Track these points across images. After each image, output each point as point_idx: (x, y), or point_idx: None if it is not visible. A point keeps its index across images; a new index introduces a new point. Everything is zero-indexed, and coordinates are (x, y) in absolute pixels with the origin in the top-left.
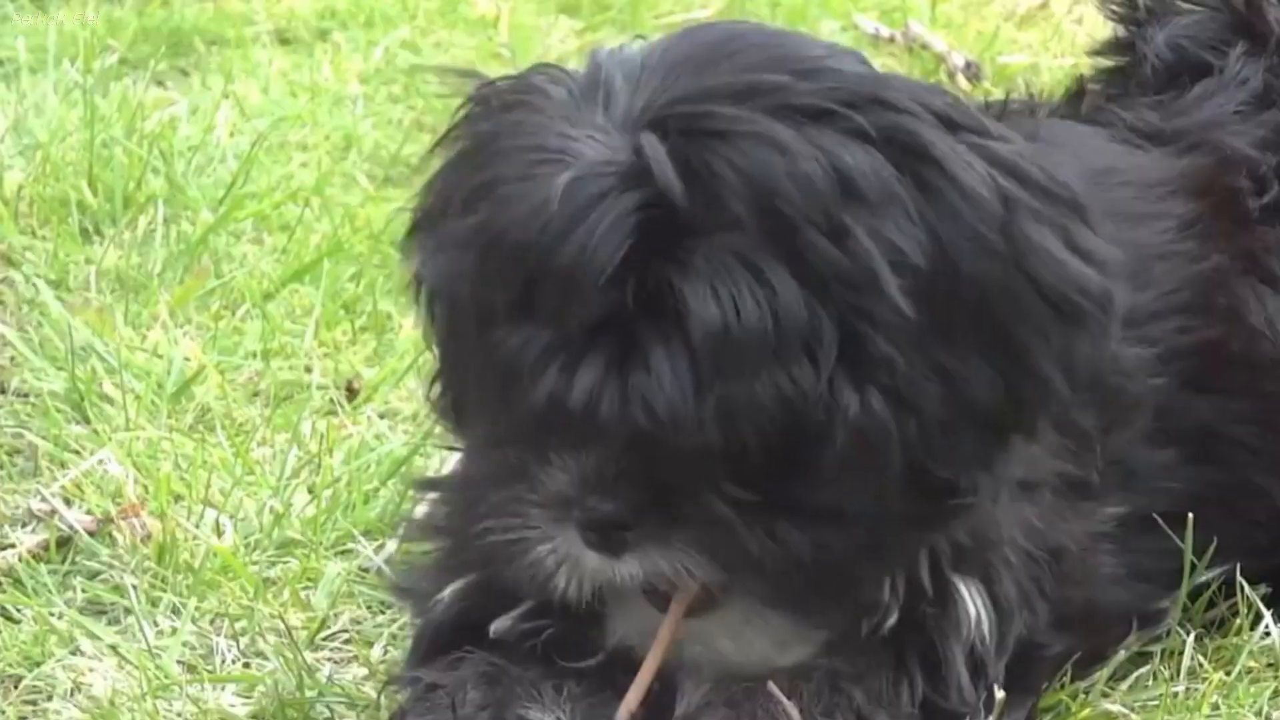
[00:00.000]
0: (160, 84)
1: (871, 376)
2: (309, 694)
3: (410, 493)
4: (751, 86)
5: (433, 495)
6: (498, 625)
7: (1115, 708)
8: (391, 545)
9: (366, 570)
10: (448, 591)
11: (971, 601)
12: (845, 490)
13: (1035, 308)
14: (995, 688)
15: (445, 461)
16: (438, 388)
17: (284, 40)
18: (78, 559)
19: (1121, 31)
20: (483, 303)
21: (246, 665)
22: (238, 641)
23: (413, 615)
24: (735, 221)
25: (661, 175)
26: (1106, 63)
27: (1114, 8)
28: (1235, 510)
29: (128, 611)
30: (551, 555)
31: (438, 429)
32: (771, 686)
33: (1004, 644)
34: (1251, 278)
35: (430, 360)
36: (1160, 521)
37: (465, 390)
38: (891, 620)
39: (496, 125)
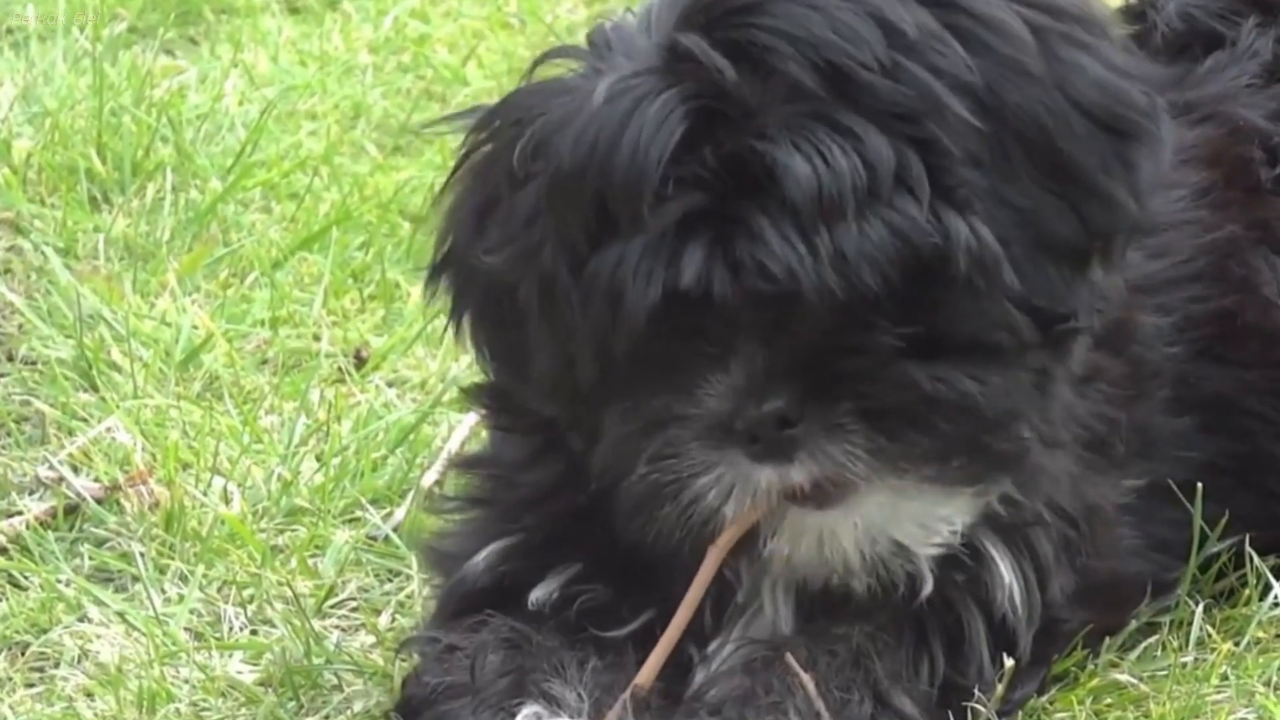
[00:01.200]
0: (169, 52)
1: (966, 204)
2: (316, 661)
3: (420, 460)
4: None
5: (466, 468)
6: (538, 593)
7: (1124, 677)
8: (400, 513)
9: (374, 538)
10: (483, 555)
11: (1006, 569)
12: (979, 322)
13: (1084, 128)
14: (1005, 657)
15: (453, 430)
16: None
17: (293, 9)
18: (85, 526)
19: (1133, 0)
20: (570, 253)
21: (254, 633)
22: (245, 609)
23: (441, 578)
24: (794, 84)
25: (708, 59)
26: (1118, 31)
27: None
28: (1250, 481)
29: (135, 579)
30: (716, 486)
31: (446, 396)
32: (789, 658)
33: (1033, 615)
34: (1265, 248)
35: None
36: (1177, 491)
37: (560, 373)
38: (927, 589)
39: (516, 126)
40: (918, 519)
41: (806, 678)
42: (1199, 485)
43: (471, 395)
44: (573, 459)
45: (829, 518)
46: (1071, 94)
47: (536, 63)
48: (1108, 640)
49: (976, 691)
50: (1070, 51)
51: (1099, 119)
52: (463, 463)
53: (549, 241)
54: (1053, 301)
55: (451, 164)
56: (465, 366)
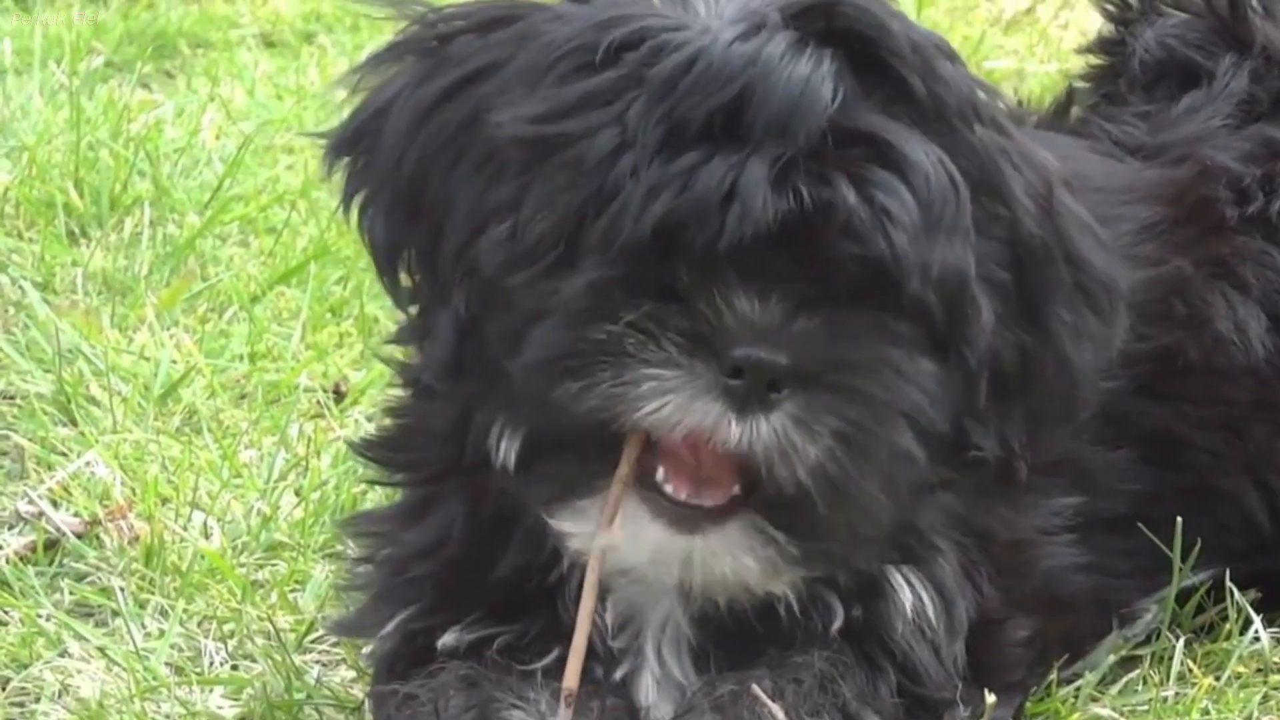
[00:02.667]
0: (146, 86)
1: (990, 296)
2: (297, 696)
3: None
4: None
5: (350, 529)
6: (445, 640)
7: (1105, 712)
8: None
9: None
10: (392, 623)
11: (908, 587)
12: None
13: (1065, 281)
14: (987, 693)
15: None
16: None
17: (269, 43)
18: (65, 561)
19: (1111, 30)
20: (665, 135)
21: (234, 667)
22: (226, 643)
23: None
24: (911, 99)
25: (857, 30)
26: (1096, 60)
27: (1107, 6)
28: (1201, 513)
29: (115, 613)
30: (658, 383)
31: None
32: (756, 689)
33: (953, 625)
34: (1222, 283)
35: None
36: (1130, 521)
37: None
38: (838, 622)
39: (562, 18)
40: (752, 581)
41: (775, 707)
42: (1161, 519)
43: (356, 450)
44: (454, 511)
45: (676, 539)
46: (1067, 245)
47: None
48: (1087, 675)
49: (938, 696)
50: (1072, 204)
51: (1080, 279)
52: (348, 524)
53: (636, 118)
54: (974, 430)
55: (382, 49)
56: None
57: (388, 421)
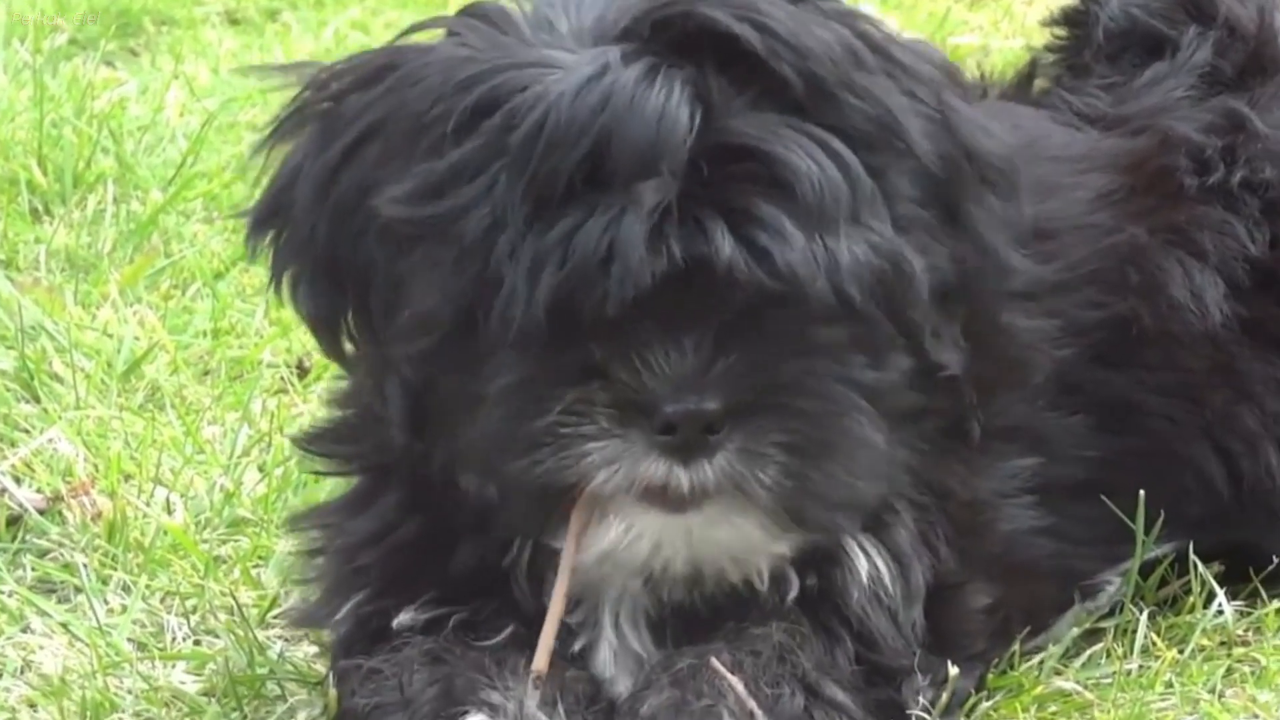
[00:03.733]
0: (110, 64)
1: (913, 237)
2: (260, 671)
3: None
4: None
5: (297, 523)
6: (400, 620)
7: (1069, 685)
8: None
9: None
10: (344, 609)
11: (863, 554)
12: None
13: (972, 179)
14: (949, 665)
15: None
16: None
17: (234, 20)
18: (28, 537)
19: (1075, 1)
20: (535, 207)
21: (197, 643)
22: (188, 619)
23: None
24: (784, 86)
25: (719, 30)
26: (1060, 32)
27: None
28: (1161, 479)
29: (78, 589)
30: (602, 453)
31: None
32: (715, 663)
33: (910, 591)
34: (1179, 251)
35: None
36: (1089, 487)
37: (469, 315)
38: (794, 592)
39: (421, 82)
40: (754, 545)
41: (734, 679)
42: (1121, 486)
43: (297, 443)
44: (399, 498)
45: (671, 521)
46: (965, 144)
47: (409, 30)
48: (1051, 648)
49: (896, 664)
50: (957, 102)
51: (981, 172)
52: (294, 519)
53: (502, 195)
54: (935, 349)
55: (280, 121)
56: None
57: (332, 413)
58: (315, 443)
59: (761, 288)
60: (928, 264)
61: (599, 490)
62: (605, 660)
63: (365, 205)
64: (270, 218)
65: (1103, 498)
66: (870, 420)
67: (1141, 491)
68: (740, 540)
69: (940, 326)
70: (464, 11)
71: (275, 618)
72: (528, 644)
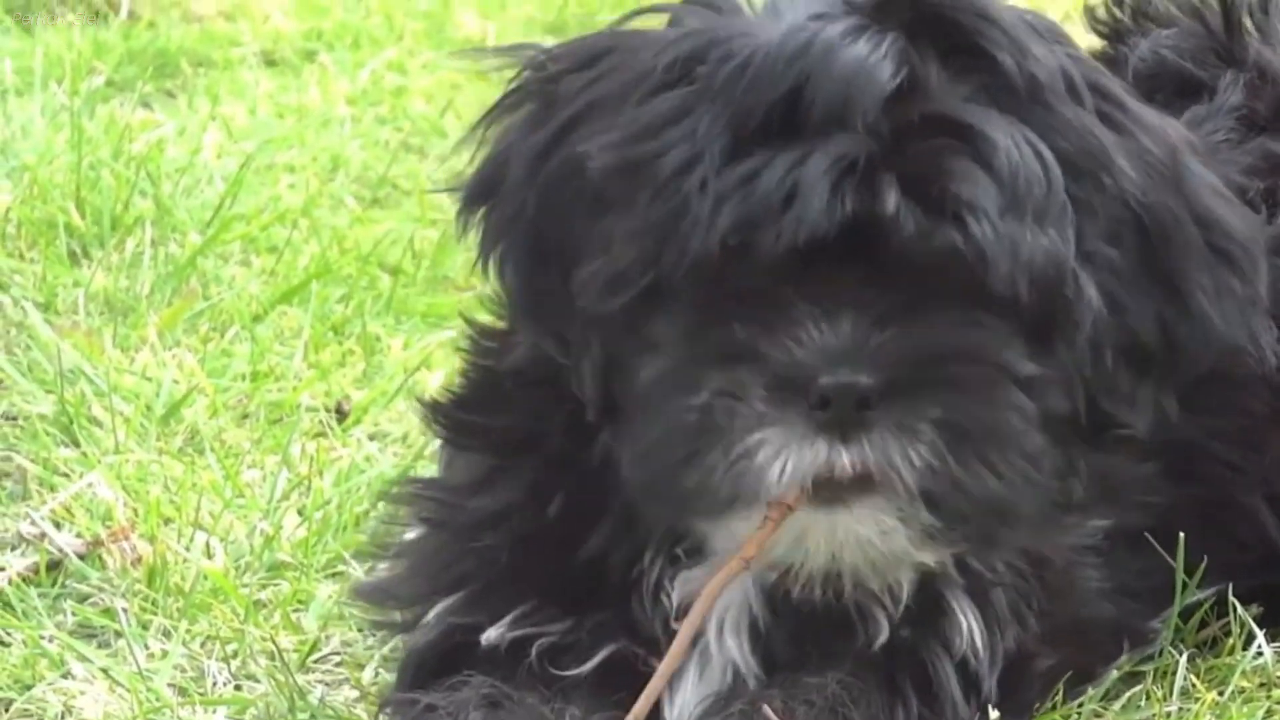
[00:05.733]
0: (147, 106)
1: (1098, 271)
2: (300, 716)
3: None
4: None
5: (414, 491)
6: (489, 635)
7: None
8: (383, 567)
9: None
10: (433, 613)
11: (964, 615)
12: (1063, 395)
13: (1199, 245)
14: (990, 708)
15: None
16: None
17: (270, 62)
18: (68, 582)
19: (1104, 46)
20: (729, 143)
21: (238, 688)
22: (229, 664)
23: (389, 627)
24: (1003, 75)
25: (938, 15)
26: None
27: (1097, 23)
28: (1220, 529)
29: (118, 634)
30: (768, 445)
31: (428, 450)
32: (766, 709)
33: (995, 657)
34: None
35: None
36: (1149, 538)
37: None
38: (883, 638)
39: (648, 45)
40: (899, 550)
41: None
42: (1178, 533)
43: (428, 410)
44: (526, 481)
45: (824, 517)
46: (1195, 208)
47: (631, 15)
48: (1090, 691)
49: None
50: (1196, 167)
51: (1212, 240)
52: (411, 484)
53: (703, 130)
54: (1116, 406)
55: (500, 99)
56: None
57: (462, 383)
58: (442, 412)
59: (933, 257)
60: (1113, 310)
61: (778, 498)
62: (690, 670)
63: (576, 178)
64: (482, 195)
65: (1158, 548)
66: (1028, 416)
67: (1181, 534)
68: (886, 542)
69: (1125, 382)
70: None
71: (316, 661)
72: (622, 670)
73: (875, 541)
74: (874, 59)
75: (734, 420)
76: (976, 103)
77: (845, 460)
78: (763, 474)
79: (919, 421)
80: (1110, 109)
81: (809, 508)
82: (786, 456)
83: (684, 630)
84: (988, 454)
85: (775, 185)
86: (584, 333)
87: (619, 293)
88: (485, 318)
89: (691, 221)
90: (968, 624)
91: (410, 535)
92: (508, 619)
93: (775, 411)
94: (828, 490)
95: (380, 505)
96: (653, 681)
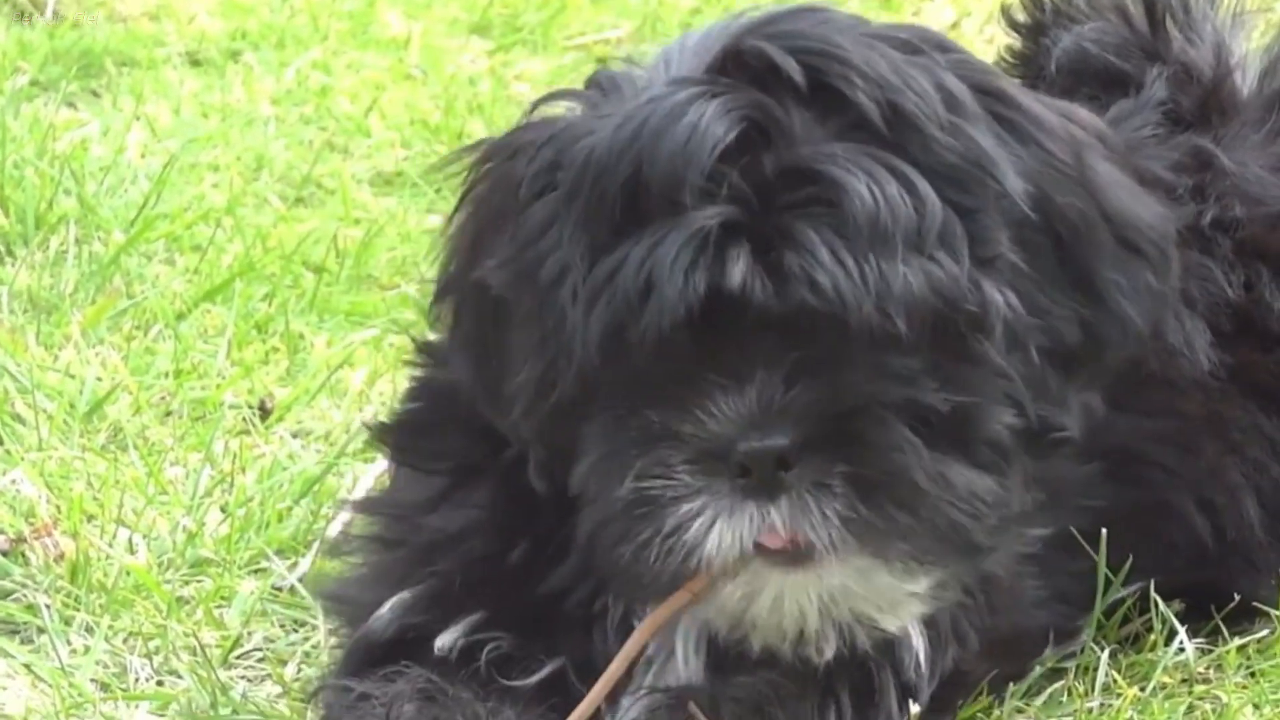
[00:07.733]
0: (71, 105)
1: (1004, 278)
2: (223, 712)
3: (325, 510)
4: (825, 28)
5: (367, 510)
6: (443, 640)
7: None
8: (305, 563)
9: (280, 589)
10: (388, 606)
11: (916, 636)
12: (986, 415)
13: (1110, 243)
14: (911, 703)
15: (358, 480)
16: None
17: (195, 61)
18: None
19: (1020, 44)
20: (590, 246)
21: (160, 684)
22: (151, 660)
23: (344, 626)
24: (859, 116)
25: (785, 64)
26: (1012, 74)
27: (1015, 25)
28: (1151, 531)
29: (41, 630)
30: (700, 517)
31: (351, 447)
32: (692, 707)
33: (935, 672)
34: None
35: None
36: (1081, 541)
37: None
38: (829, 654)
39: (523, 150)
40: (886, 594)
41: None
42: (1101, 532)
43: (377, 434)
44: (482, 503)
45: (794, 578)
46: (1104, 206)
47: (536, 104)
48: (1012, 687)
49: None
50: (1102, 164)
51: (1123, 236)
52: (364, 504)
53: (566, 238)
54: (1049, 410)
55: (456, 201)
56: (370, 415)
57: (411, 405)
58: (391, 435)
59: (791, 318)
60: (1029, 315)
61: (720, 565)
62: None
63: (487, 292)
64: (440, 293)
65: (1091, 553)
66: (941, 450)
67: (1104, 531)
68: (871, 586)
69: (1055, 385)
70: (587, 81)
71: (238, 657)
72: (565, 689)
73: (859, 588)
74: (705, 123)
75: (664, 496)
76: (840, 144)
77: (779, 521)
78: (699, 546)
79: (829, 477)
80: (1007, 112)
81: (780, 569)
82: (721, 526)
83: (623, 652)
84: (900, 499)
85: (633, 278)
86: (524, 432)
87: (544, 397)
88: (431, 335)
89: (570, 330)
90: (915, 644)
91: (366, 555)
92: (462, 624)
93: (701, 482)
94: (779, 556)
95: (302, 503)
96: (587, 698)
